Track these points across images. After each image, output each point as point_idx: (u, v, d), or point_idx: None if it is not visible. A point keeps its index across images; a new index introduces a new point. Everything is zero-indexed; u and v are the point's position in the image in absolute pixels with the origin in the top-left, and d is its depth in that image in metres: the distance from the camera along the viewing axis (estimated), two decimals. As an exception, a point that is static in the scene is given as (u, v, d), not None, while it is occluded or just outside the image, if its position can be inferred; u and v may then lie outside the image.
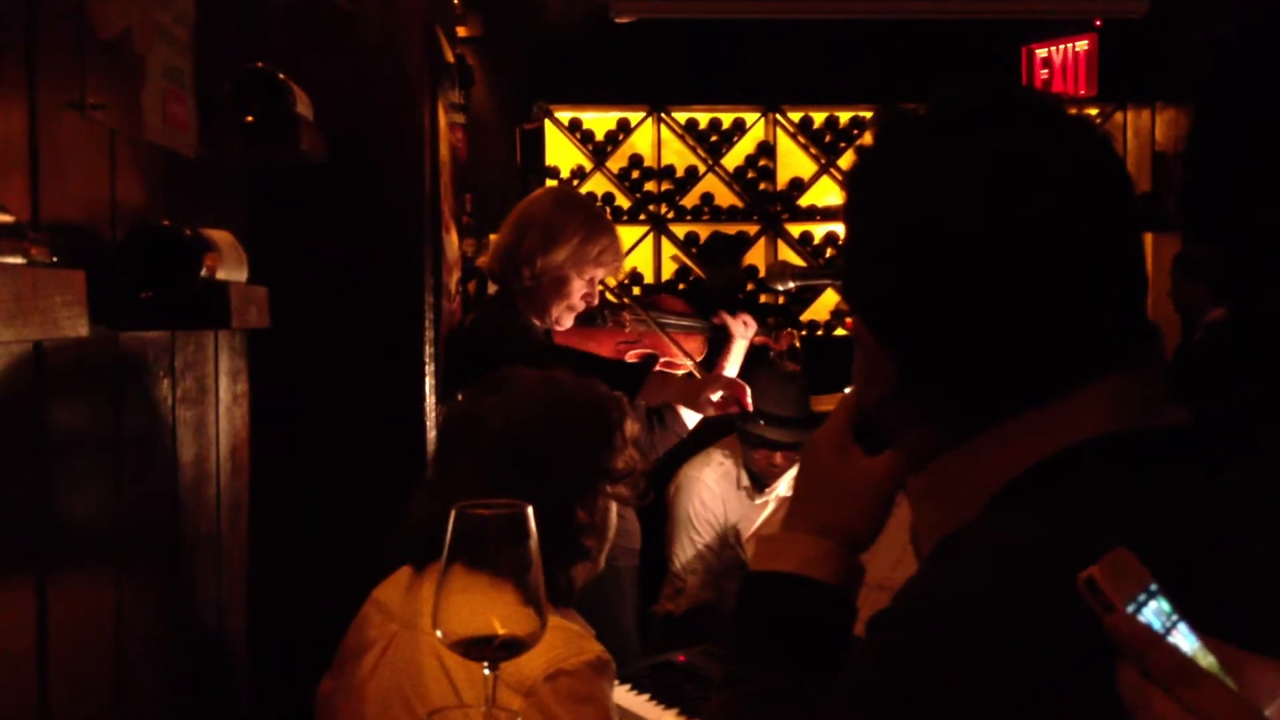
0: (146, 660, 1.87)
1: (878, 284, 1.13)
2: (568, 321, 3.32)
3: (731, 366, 3.63)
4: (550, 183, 7.17)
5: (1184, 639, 0.77)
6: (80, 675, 1.60)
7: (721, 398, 3.31)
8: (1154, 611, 0.77)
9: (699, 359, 3.69)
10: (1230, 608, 0.93)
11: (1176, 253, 6.15)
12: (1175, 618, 0.78)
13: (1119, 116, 7.43)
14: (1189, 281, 5.84)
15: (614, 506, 2.01)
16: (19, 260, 1.17)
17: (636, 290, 7.10)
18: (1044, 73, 7.09)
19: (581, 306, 3.30)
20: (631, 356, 3.54)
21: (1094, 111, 7.29)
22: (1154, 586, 0.78)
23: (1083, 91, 6.96)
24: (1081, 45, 6.95)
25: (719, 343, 3.68)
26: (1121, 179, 1.11)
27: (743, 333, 3.65)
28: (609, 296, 6.21)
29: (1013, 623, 0.92)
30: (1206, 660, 0.76)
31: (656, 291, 7.25)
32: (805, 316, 7.22)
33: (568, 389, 2.01)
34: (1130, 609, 0.77)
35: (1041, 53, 7.12)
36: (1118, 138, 7.42)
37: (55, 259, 1.28)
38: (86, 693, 1.64)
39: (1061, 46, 7.04)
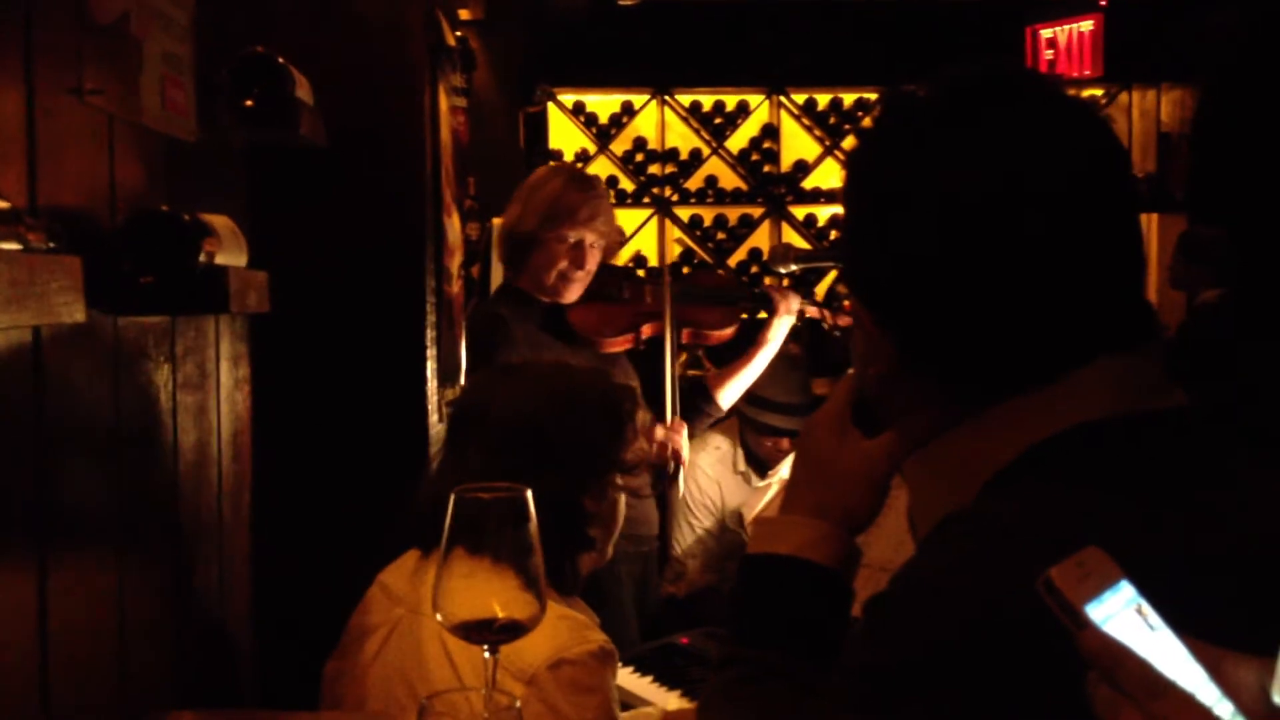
0: (149, 645, 1.88)
1: (876, 265, 1.13)
2: (570, 291, 3.27)
3: (773, 342, 3.59)
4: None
5: (1156, 634, 0.76)
6: (82, 660, 1.61)
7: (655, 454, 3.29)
8: (1122, 609, 0.76)
9: (728, 332, 3.62)
10: (1223, 592, 0.93)
11: (1181, 233, 6.12)
12: (1146, 613, 0.76)
13: (1124, 97, 7.40)
14: (1192, 263, 5.80)
15: (622, 498, 2.01)
16: (16, 246, 1.17)
17: (641, 273, 7.10)
18: (1049, 53, 7.06)
19: (576, 273, 3.24)
20: (646, 330, 3.45)
21: (1099, 92, 7.27)
22: (1123, 583, 0.77)
23: (1088, 72, 6.94)
24: (1086, 25, 6.93)
25: (760, 317, 3.62)
26: (1121, 161, 1.11)
27: (787, 308, 3.61)
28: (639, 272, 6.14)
29: (1011, 605, 0.92)
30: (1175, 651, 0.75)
31: (662, 272, 7.25)
32: (809, 299, 7.22)
33: (580, 378, 2.01)
34: (1093, 609, 0.76)
35: (1046, 33, 7.10)
36: (1123, 118, 7.39)
37: (53, 245, 1.27)
38: (88, 677, 1.64)
39: (1066, 27, 7.02)
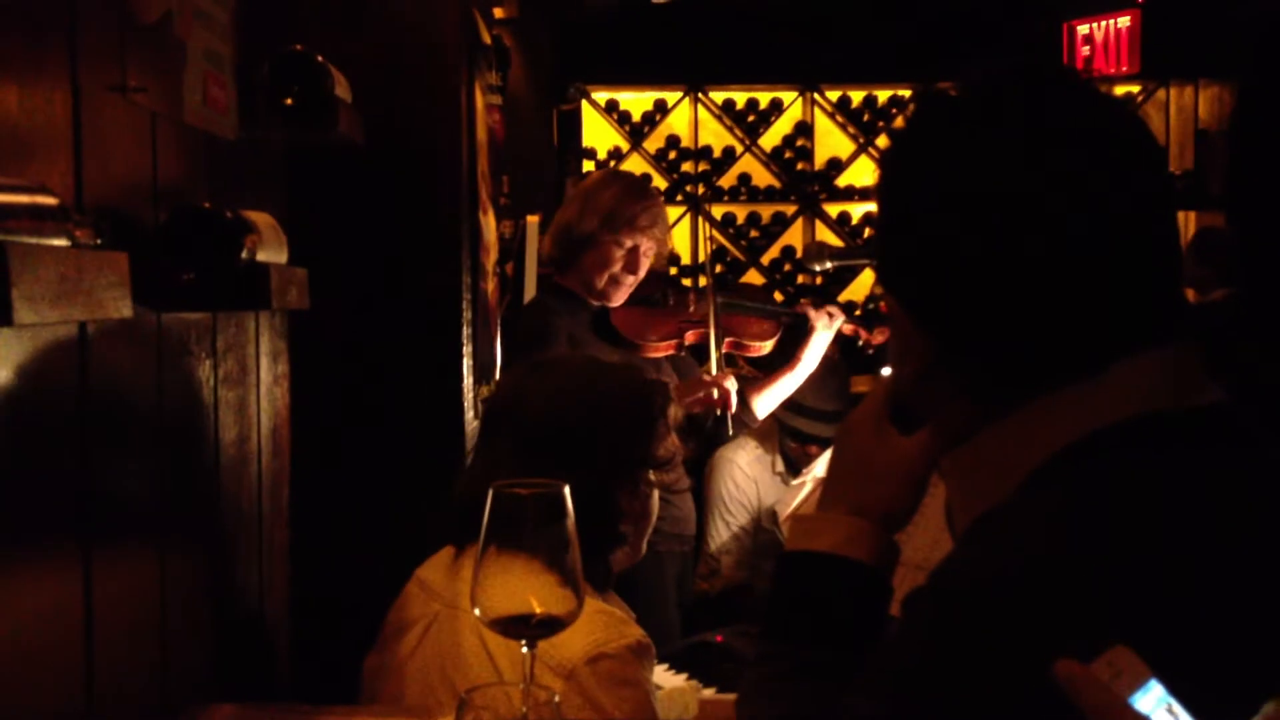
0: (189, 637, 1.90)
1: (912, 265, 1.13)
2: (618, 295, 3.32)
3: (806, 362, 3.60)
4: (588, 164, 7.17)
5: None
6: (125, 652, 1.63)
7: (699, 402, 3.32)
8: (1154, 709, 0.76)
9: (769, 345, 3.64)
10: (1262, 583, 0.93)
11: (1196, 231, 6.03)
12: (1177, 713, 0.76)
13: (1161, 93, 7.35)
14: (1204, 263, 5.70)
15: (655, 494, 2.01)
16: (64, 242, 1.18)
17: (673, 270, 7.10)
18: (1085, 49, 7.02)
19: (627, 277, 3.29)
20: (690, 337, 3.50)
21: (1136, 89, 7.22)
22: (1153, 682, 0.77)
23: (1125, 68, 6.88)
24: (1124, 21, 6.88)
25: (799, 333, 3.64)
26: (1156, 157, 1.11)
27: (825, 325, 3.60)
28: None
29: (1064, 602, 0.92)
30: None
31: (695, 271, 7.25)
32: (843, 297, 7.20)
33: (611, 373, 2.01)
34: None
35: (1083, 29, 7.05)
36: (1160, 115, 7.34)
37: (99, 241, 1.29)
38: (131, 668, 1.66)
39: (1103, 23, 6.96)
